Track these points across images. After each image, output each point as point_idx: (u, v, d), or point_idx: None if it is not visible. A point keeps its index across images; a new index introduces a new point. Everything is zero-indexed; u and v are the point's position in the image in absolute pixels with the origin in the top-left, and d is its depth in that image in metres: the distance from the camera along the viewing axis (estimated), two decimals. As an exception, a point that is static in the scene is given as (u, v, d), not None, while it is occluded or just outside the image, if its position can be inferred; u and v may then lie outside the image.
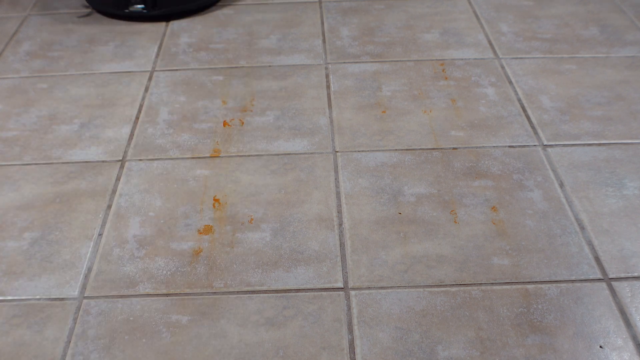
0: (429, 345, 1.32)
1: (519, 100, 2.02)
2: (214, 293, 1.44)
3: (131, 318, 1.39)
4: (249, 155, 1.83)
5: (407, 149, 1.83)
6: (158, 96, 2.08)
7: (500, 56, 2.24)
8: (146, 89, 2.11)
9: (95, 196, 1.70)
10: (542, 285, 1.44)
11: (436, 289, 1.44)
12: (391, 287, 1.44)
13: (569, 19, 2.45)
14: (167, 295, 1.44)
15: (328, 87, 2.11)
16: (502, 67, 2.18)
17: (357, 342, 1.33)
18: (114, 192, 1.72)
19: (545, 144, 1.84)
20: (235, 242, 1.56)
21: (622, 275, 1.46)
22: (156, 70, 2.21)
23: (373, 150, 1.83)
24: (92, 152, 1.85)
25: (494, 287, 1.44)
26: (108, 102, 2.06)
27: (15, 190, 1.73)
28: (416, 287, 1.45)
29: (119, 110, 2.02)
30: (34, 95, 2.11)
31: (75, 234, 1.60)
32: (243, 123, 1.95)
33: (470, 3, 2.58)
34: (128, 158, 1.83)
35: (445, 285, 1.45)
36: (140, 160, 1.82)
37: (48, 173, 1.78)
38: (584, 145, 1.84)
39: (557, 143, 1.85)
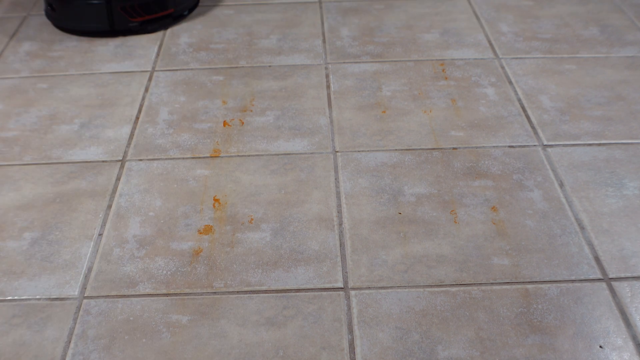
0: (429, 345, 1.32)
1: (519, 100, 2.02)
2: (214, 293, 1.44)
3: (131, 318, 1.39)
4: (249, 155, 1.83)
5: (407, 149, 1.83)
6: (158, 96, 2.08)
7: (500, 56, 2.24)
8: (146, 89, 2.12)
9: (95, 196, 1.70)
10: (542, 285, 1.44)
11: (436, 289, 1.44)
12: (391, 287, 1.44)
13: (569, 19, 2.45)
14: (167, 295, 1.44)
15: (328, 87, 2.11)
16: (502, 67, 2.18)
17: (357, 342, 1.33)
18: (114, 192, 1.72)
19: (545, 144, 1.84)
20: (235, 242, 1.56)
21: (622, 275, 1.46)
22: (156, 70, 2.21)
23: (373, 150, 1.83)
24: (92, 152, 1.85)
25: (494, 287, 1.44)
26: (108, 102, 2.06)
27: (15, 190, 1.73)
28: (416, 287, 1.45)
29: (119, 110, 2.02)
30: (34, 95, 2.11)
31: (75, 234, 1.60)
32: (243, 123, 1.95)
33: (470, 3, 2.58)
34: (128, 158, 1.83)
35: (445, 285, 1.45)
36: (140, 160, 1.82)
37: (48, 173, 1.78)
38: (584, 145, 1.84)
39: (557, 143, 1.85)
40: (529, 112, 1.97)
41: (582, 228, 1.58)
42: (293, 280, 1.47)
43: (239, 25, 2.47)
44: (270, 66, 2.22)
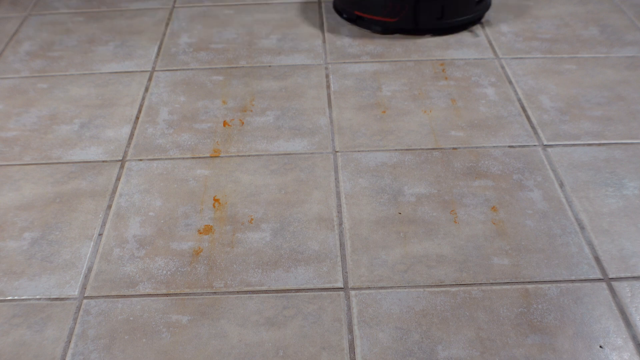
0: (429, 345, 1.32)
1: (519, 100, 2.02)
2: (214, 293, 1.44)
3: (131, 318, 1.39)
4: (249, 155, 1.83)
5: (407, 149, 1.83)
6: (158, 96, 2.08)
7: (500, 56, 2.24)
8: (146, 89, 2.12)
9: (95, 196, 1.70)
10: (542, 285, 1.44)
11: (436, 289, 1.44)
12: (391, 287, 1.44)
13: (569, 19, 2.45)
14: (167, 295, 1.44)
15: (328, 87, 2.11)
16: (502, 67, 2.18)
17: (357, 342, 1.33)
18: (114, 192, 1.72)
19: (545, 144, 1.84)
20: (235, 242, 1.56)
21: (622, 275, 1.46)
22: (156, 70, 2.21)
23: (373, 150, 1.83)
24: (92, 152, 1.85)
25: (494, 287, 1.44)
26: (108, 102, 2.06)
27: (16, 190, 1.73)
28: (416, 287, 1.45)
29: (119, 110, 2.02)
30: (34, 95, 2.11)
31: (76, 234, 1.60)
32: (243, 123, 1.95)
33: (470, 3, 2.58)
34: (128, 158, 1.83)
35: (445, 285, 1.45)
36: (140, 160, 1.82)
37: (48, 173, 1.78)
38: (584, 145, 1.84)
39: (557, 143, 1.85)
40: (529, 112, 1.97)
41: (582, 228, 1.58)
42: (293, 280, 1.47)
43: (239, 25, 2.47)
44: (270, 66, 2.22)
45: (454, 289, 1.44)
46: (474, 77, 2.13)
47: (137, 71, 2.21)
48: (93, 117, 1.99)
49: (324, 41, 2.36)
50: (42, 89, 2.13)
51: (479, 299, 1.41)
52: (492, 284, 1.45)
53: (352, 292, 1.44)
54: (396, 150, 1.83)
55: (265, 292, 1.44)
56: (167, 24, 2.49)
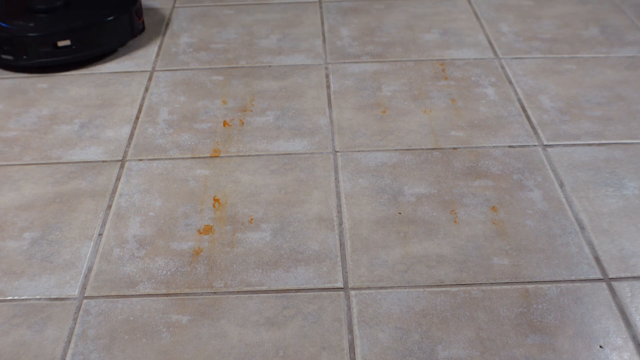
0: (429, 345, 1.32)
1: (519, 100, 2.02)
2: (214, 293, 1.44)
3: (131, 318, 1.39)
4: (249, 155, 1.83)
5: (407, 149, 1.83)
6: (158, 96, 2.08)
7: (500, 56, 2.24)
8: (146, 89, 2.12)
9: (95, 196, 1.70)
10: (542, 285, 1.44)
11: (436, 289, 1.44)
12: (391, 287, 1.45)
13: (569, 19, 2.45)
14: (167, 295, 1.44)
15: (328, 87, 2.11)
16: (502, 67, 2.18)
17: (357, 342, 1.33)
18: (114, 192, 1.72)
19: (545, 144, 1.84)
20: (235, 242, 1.56)
21: (622, 275, 1.46)
22: (156, 70, 2.21)
23: (373, 150, 1.83)
24: (92, 152, 1.85)
25: (494, 287, 1.44)
26: (108, 102, 2.06)
27: (15, 190, 1.73)
28: (416, 287, 1.45)
29: (119, 110, 2.02)
30: (34, 95, 2.11)
31: (76, 234, 1.60)
32: (243, 123, 1.95)
33: (470, 3, 2.58)
34: (128, 158, 1.83)
35: (445, 285, 1.45)
36: (140, 160, 1.82)
37: (48, 173, 1.78)
38: (584, 145, 1.84)
39: (557, 143, 1.85)
40: (529, 112, 1.97)
41: (582, 228, 1.58)
42: (293, 280, 1.47)
43: (239, 25, 2.47)
44: (270, 66, 2.22)
45: (454, 289, 1.44)
46: (474, 77, 2.13)
47: (137, 71, 2.21)
48: (93, 117, 1.99)
49: (324, 41, 2.36)
50: (42, 89, 2.13)
51: (479, 299, 1.41)
52: (492, 284, 1.45)
53: (352, 292, 1.44)
54: (396, 150, 1.83)
55: (265, 292, 1.44)
56: (167, 24, 2.49)
